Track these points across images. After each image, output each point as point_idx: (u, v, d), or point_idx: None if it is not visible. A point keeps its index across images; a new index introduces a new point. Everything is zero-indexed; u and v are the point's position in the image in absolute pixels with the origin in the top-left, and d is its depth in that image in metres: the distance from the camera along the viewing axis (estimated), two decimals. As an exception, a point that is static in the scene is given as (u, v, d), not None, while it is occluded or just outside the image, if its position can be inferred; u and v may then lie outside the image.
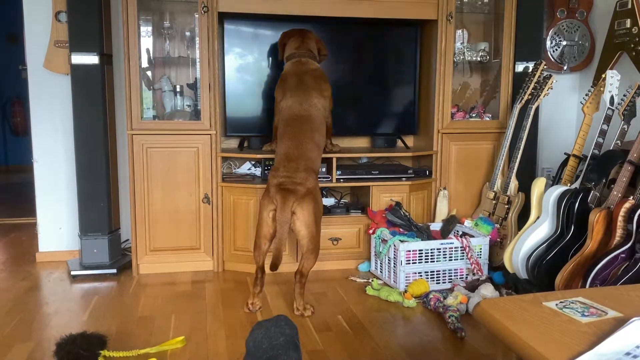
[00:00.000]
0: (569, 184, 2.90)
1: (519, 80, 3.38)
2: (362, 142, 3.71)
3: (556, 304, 1.31)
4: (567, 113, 3.97)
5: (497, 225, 3.19)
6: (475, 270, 2.95)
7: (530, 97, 3.22)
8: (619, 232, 2.36)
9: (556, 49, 3.71)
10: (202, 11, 3.07)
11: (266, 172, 3.20)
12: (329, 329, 2.46)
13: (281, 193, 2.55)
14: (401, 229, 3.09)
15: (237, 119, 3.37)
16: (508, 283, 2.91)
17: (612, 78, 2.86)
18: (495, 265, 3.13)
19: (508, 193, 3.21)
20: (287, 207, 2.53)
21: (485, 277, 2.93)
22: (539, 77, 3.20)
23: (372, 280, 2.96)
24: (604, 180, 2.63)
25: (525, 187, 3.10)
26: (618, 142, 2.73)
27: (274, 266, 2.52)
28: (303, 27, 3.21)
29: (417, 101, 3.58)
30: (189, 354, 2.23)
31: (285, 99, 2.92)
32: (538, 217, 2.84)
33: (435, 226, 3.26)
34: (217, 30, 3.12)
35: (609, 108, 2.84)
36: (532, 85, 3.21)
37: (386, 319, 2.59)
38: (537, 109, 3.23)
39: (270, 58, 3.37)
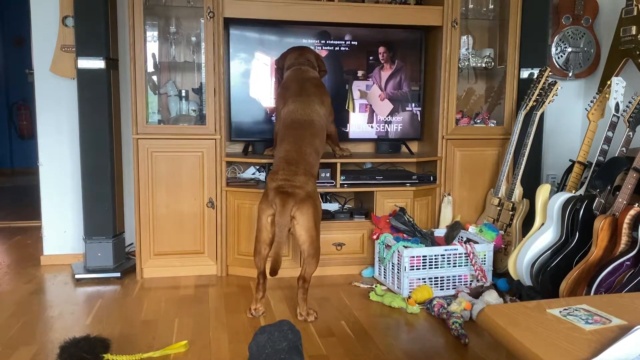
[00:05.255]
0: (573, 191, 2.89)
1: (524, 87, 3.37)
2: (367, 147, 3.71)
3: (560, 311, 1.31)
4: (572, 120, 3.96)
5: (502, 232, 3.18)
6: (479, 277, 2.94)
7: (535, 103, 3.22)
8: (624, 239, 2.35)
9: (561, 56, 3.71)
10: (208, 16, 3.08)
11: (270, 176, 3.21)
12: (332, 335, 2.46)
13: (280, 196, 2.52)
14: (405, 235, 3.08)
15: (241, 123, 3.38)
16: (512, 290, 2.90)
17: (618, 85, 2.85)
18: (500, 272, 3.12)
19: (512, 199, 3.20)
20: (286, 211, 2.50)
21: (489, 283, 2.92)
22: (544, 83, 3.20)
23: (376, 286, 2.96)
24: (609, 187, 2.62)
25: (529, 194, 3.09)
26: (623, 149, 2.72)
27: (273, 271, 2.50)
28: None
29: (421, 107, 3.58)
30: (191, 358, 2.23)
31: (287, 105, 2.90)
32: (542, 224, 2.83)
33: (440, 232, 3.25)
34: (222, 35, 3.13)
35: (614, 115, 2.84)
36: (537, 92, 3.20)
37: (389, 324, 2.59)
38: (542, 115, 3.23)
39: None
